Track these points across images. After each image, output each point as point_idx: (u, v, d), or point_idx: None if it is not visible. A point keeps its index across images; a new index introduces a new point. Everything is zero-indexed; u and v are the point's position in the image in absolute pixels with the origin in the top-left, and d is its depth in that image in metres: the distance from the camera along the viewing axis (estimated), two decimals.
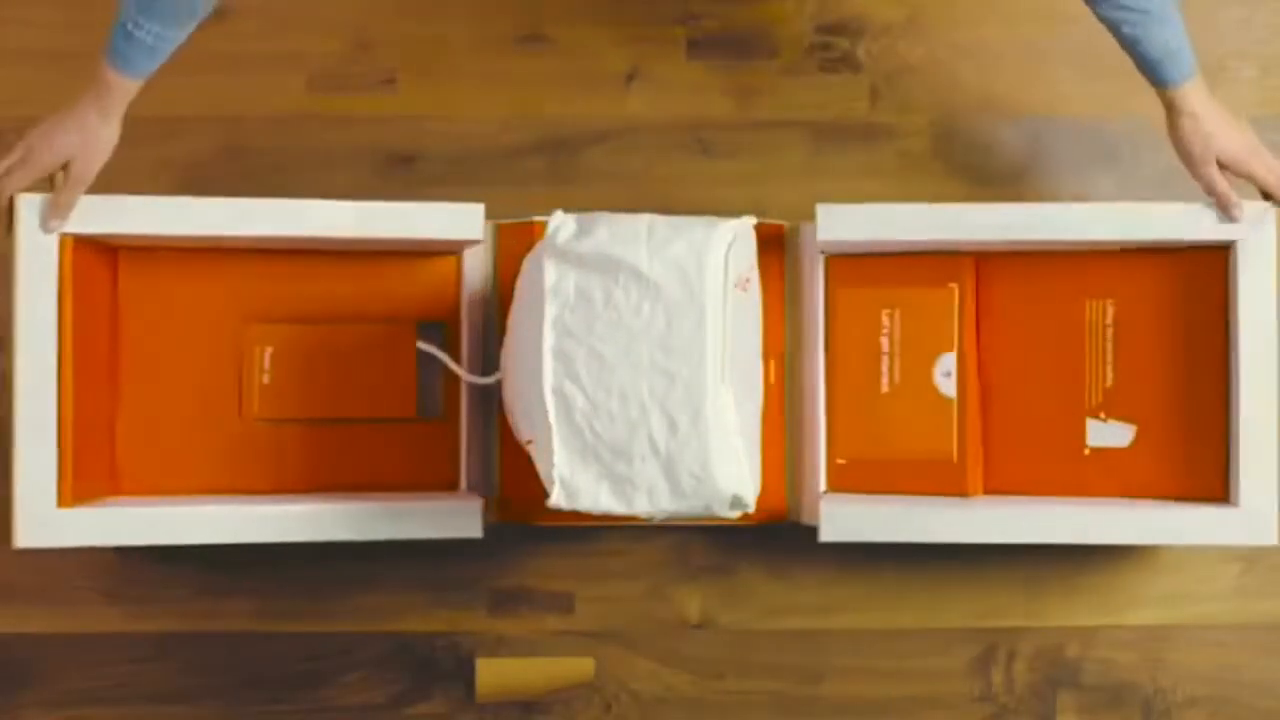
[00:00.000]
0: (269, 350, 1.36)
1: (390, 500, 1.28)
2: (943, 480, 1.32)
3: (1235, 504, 1.25)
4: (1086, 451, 1.33)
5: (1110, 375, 1.33)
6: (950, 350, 1.32)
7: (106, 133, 1.20)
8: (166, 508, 1.26)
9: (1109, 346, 1.33)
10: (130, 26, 1.13)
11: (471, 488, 1.34)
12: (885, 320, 1.33)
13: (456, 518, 1.26)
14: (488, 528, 1.38)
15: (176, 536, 1.25)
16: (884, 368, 1.33)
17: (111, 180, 1.39)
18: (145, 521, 1.25)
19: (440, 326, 1.36)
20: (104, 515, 1.24)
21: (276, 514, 1.26)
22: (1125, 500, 1.30)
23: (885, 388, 1.33)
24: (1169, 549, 1.40)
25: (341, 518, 1.26)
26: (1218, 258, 1.31)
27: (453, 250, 1.33)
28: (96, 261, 1.32)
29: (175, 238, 1.27)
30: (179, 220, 1.25)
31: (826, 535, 1.24)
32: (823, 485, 1.32)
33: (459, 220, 1.26)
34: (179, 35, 1.15)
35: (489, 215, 1.37)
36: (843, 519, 1.25)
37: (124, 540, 1.26)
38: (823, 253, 1.32)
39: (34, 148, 1.19)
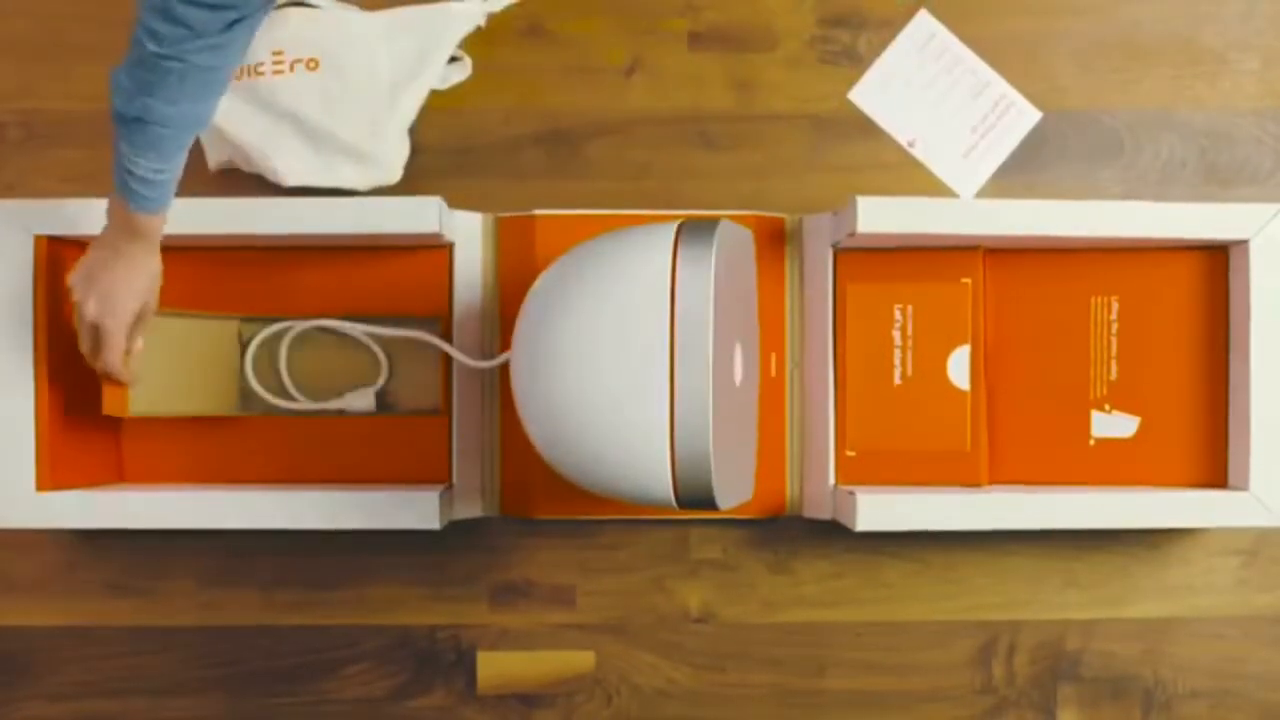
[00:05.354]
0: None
1: (354, 491, 1.28)
2: (956, 471, 1.34)
3: (1246, 488, 1.29)
4: (1092, 442, 1.35)
5: (1114, 369, 1.35)
6: (965, 343, 1.33)
7: (158, 264, 1.17)
8: (132, 493, 1.28)
9: (1113, 341, 1.35)
10: (151, 174, 1.08)
11: (464, 482, 1.34)
12: (898, 314, 1.34)
13: (415, 509, 1.26)
14: (489, 521, 1.39)
15: (127, 521, 1.27)
16: (896, 361, 1.34)
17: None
18: (109, 507, 1.26)
19: (436, 320, 1.36)
20: (74, 500, 1.26)
21: (237, 500, 1.27)
22: (1138, 489, 1.32)
23: (898, 380, 1.34)
24: (1170, 542, 1.41)
25: (302, 507, 1.26)
26: (1219, 256, 1.34)
27: (440, 244, 1.33)
28: None
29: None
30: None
31: (863, 525, 1.25)
32: (832, 478, 1.33)
33: (415, 214, 1.26)
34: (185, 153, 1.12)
35: (490, 209, 1.38)
36: (876, 509, 1.25)
37: (82, 524, 1.28)
38: (833, 246, 1.33)
39: (110, 330, 1.16)
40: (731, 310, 1.14)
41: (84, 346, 1.19)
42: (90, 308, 1.16)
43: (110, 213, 1.14)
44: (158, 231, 1.15)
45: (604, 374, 1.06)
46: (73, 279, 1.17)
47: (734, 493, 1.16)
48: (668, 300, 1.05)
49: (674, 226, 1.10)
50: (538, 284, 1.13)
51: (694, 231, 1.09)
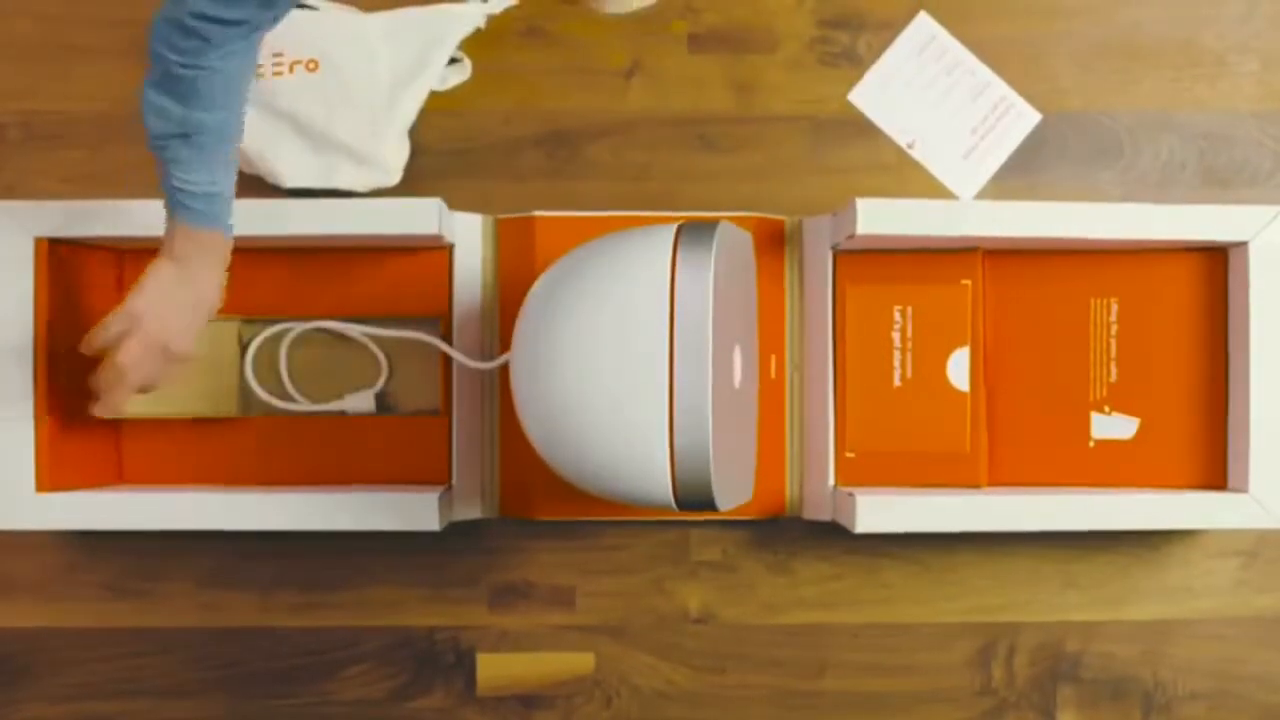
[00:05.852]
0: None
1: (354, 492, 1.28)
2: (955, 472, 1.34)
3: (1245, 490, 1.29)
4: (1091, 444, 1.35)
5: (1114, 371, 1.35)
6: (964, 345, 1.34)
7: (223, 279, 1.16)
8: (131, 495, 1.28)
9: (1113, 343, 1.35)
10: (206, 188, 1.09)
11: (464, 483, 1.34)
12: (898, 316, 1.34)
13: (415, 510, 1.26)
14: (489, 523, 1.39)
15: (127, 522, 1.27)
16: (896, 362, 1.34)
17: (122, 170, 1.39)
18: (109, 509, 1.26)
19: (436, 321, 1.36)
20: (73, 502, 1.26)
21: (237, 501, 1.26)
22: (1137, 490, 1.32)
23: (897, 382, 1.34)
24: (1169, 544, 1.41)
25: (302, 508, 1.26)
26: (1218, 258, 1.34)
27: (440, 245, 1.33)
28: (99, 264, 1.33)
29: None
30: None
31: (863, 526, 1.25)
32: (831, 479, 1.33)
33: (415, 215, 1.26)
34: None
35: (490, 210, 1.38)
36: (876, 510, 1.25)
37: (81, 525, 1.28)
38: (833, 248, 1.33)
39: (184, 359, 1.15)
40: (731, 312, 1.14)
41: (138, 372, 1.14)
42: (179, 343, 1.14)
43: (172, 238, 1.12)
44: (225, 248, 1.14)
45: (604, 375, 1.06)
46: (139, 304, 1.12)
47: (734, 494, 1.16)
48: (667, 302, 1.05)
49: (673, 228, 1.10)
50: (537, 285, 1.13)
51: (693, 233, 1.09)
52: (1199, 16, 1.43)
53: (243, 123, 1.11)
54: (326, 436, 1.36)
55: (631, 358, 1.05)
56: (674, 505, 1.10)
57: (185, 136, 1.07)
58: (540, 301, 1.11)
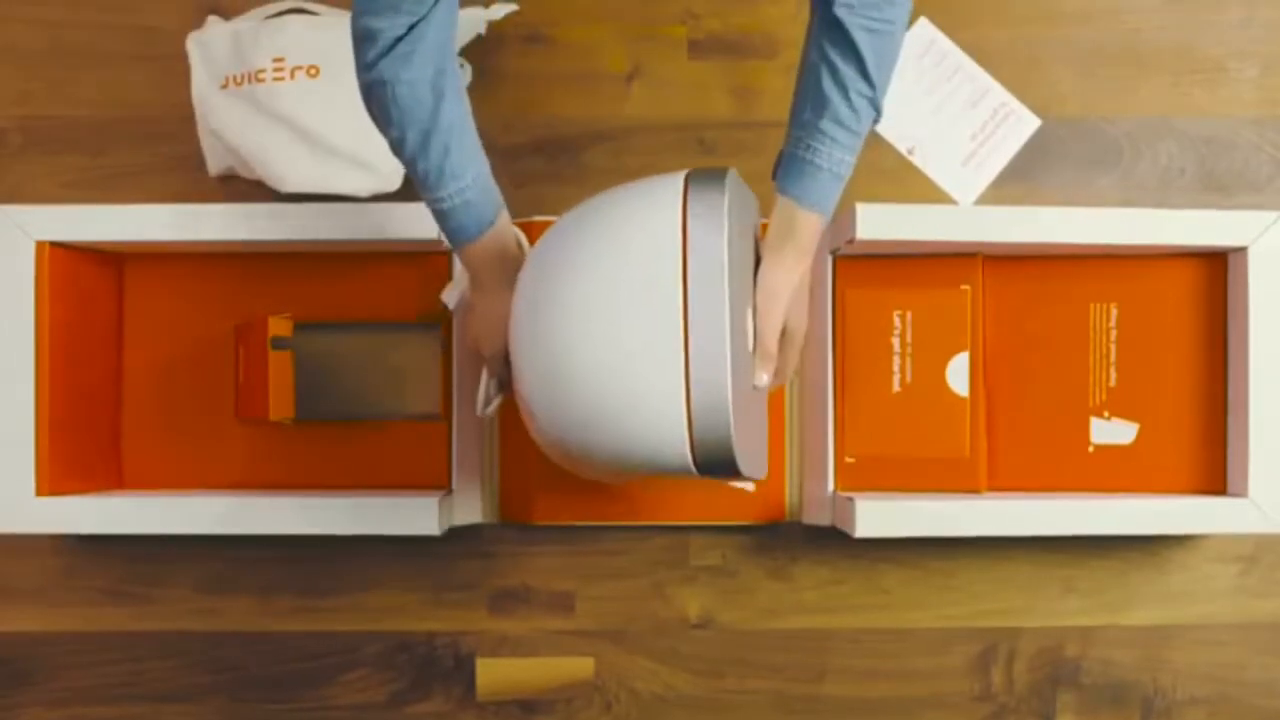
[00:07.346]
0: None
1: (353, 497, 1.28)
2: (955, 477, 1.34)
3: (1245, 495, 1.29)
4: (1091, 449, 1.35)
5: (1114, 376, 1.35)
6: (964, 350, 1.34)
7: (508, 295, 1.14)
8: (130, 499, 1.28)
9: (1112, 348, 1.35)
10: (450, 202, 1.10)
11: (464, 487, 1.34)
12: (897, 321, 1.34)
13: (414, 515, 1.26)
14: (488, 527, 1.39)
15: (126, 526, 1.26)
16: (895, 367, 1.34)
17: (123, 175, 1.39)
18: (108, 513, 1.26)
19: (436, 325, 1.36)
20: (73, 506, 1.26)
21: (236, 506, 1.26)
22: (1137, 495, 1.32)
23: (897, 387, 1.34)
24: (1169, 549, 1.41)
25: (302, 512, 1.26)
26: (1218, 263, 1.34)
27: (440, 250, 1.33)
28: (99, 269, 1.33)
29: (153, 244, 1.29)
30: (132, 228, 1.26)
31: (862, 531, 1.24)
32: (831, 484, 1.33)
33: (415, 220, 1.26)
34: (478, 167, 1.11)
35: None
36: (875, 515, 1.25)
37: (80, 529, 1.28)
38: (832, 253, 1.33)
39: (497, 354, 1.18)
40: (741, 268, 1.07)
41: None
42: (484, 347, 1.20)
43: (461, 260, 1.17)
44: (481, 258, 1.14)
45: (611, 327, 1.00)
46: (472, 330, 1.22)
47: (752, 462, 1.09)
48: (679, 241, 1.00)
49: (682, 174, 1.05)
50: (539, 243, 1.08)
51: (704, 176, 1.04)
52: (1198, 22, 1.43)
53: (445, 125, 1.09)
54: (325, 441, 1.36)
55: (641, 306, 0.99)
56: (692, 468, 1.02)
57: (400, 157, 1.11)
58: (540, 260, 1.06)
